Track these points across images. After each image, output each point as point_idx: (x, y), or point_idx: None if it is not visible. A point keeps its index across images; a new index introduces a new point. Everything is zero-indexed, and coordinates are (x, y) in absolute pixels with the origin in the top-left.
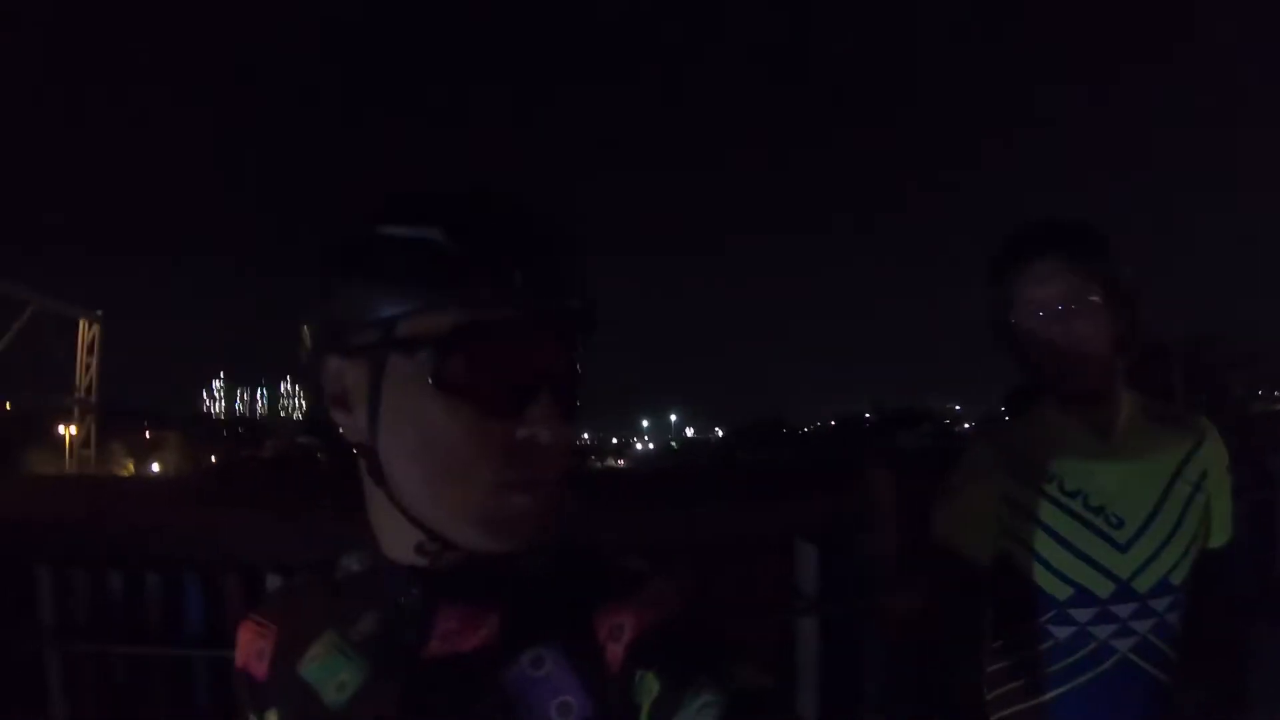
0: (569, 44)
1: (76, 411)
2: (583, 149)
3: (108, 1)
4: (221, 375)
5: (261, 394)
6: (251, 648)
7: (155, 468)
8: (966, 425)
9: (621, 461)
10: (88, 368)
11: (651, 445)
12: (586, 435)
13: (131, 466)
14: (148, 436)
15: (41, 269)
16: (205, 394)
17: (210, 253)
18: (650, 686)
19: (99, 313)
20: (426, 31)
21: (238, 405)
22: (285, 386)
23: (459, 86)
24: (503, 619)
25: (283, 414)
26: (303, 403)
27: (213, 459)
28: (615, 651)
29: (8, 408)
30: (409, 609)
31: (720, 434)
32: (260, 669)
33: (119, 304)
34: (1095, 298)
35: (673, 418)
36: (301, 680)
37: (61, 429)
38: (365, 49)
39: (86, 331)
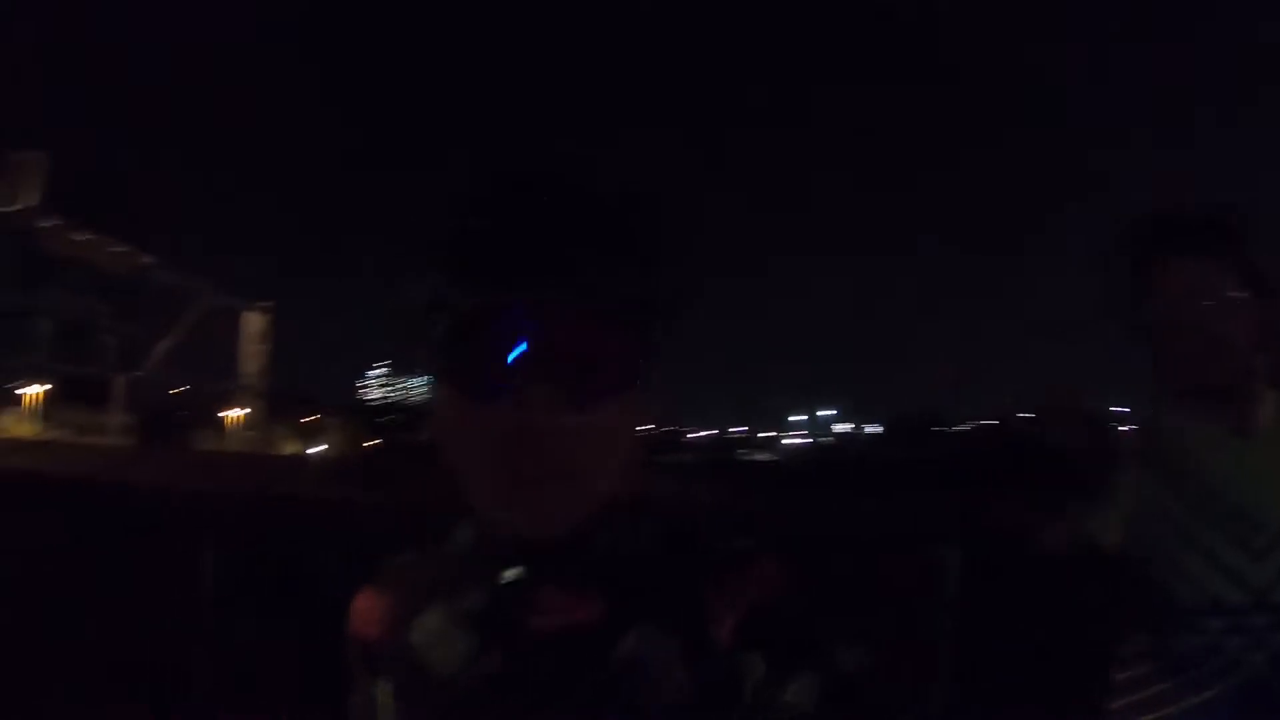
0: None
1: (244, 395)
2: (743, 140)
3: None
4: (381, 363)
5: (420, 382)
6: (366, 617)
7: (316, 450)
8: (1127, 428)
9: (767, 456)
10: (255, 355)
11: (801, 439)
12: (736, 427)
13: (294, 448)
14: (310, 420)
15: (215, 263)
16: (365, 381)
17: (374, 249)
18: (754, 666)
19: (267, 303)
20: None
21: (397, 392)
22: None
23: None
24: (609, 596)
25: None
26: None
27: (371, 443)
28: (720, 630)
29: (178, 391)
30: (514, 584)
31: (871, 430)
32: (373, 637)
33: (286, 295)
34: (1233, 292)
35: (823, 412)
36: (411, 650)
37: (229, 412)
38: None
39: (255, 321)
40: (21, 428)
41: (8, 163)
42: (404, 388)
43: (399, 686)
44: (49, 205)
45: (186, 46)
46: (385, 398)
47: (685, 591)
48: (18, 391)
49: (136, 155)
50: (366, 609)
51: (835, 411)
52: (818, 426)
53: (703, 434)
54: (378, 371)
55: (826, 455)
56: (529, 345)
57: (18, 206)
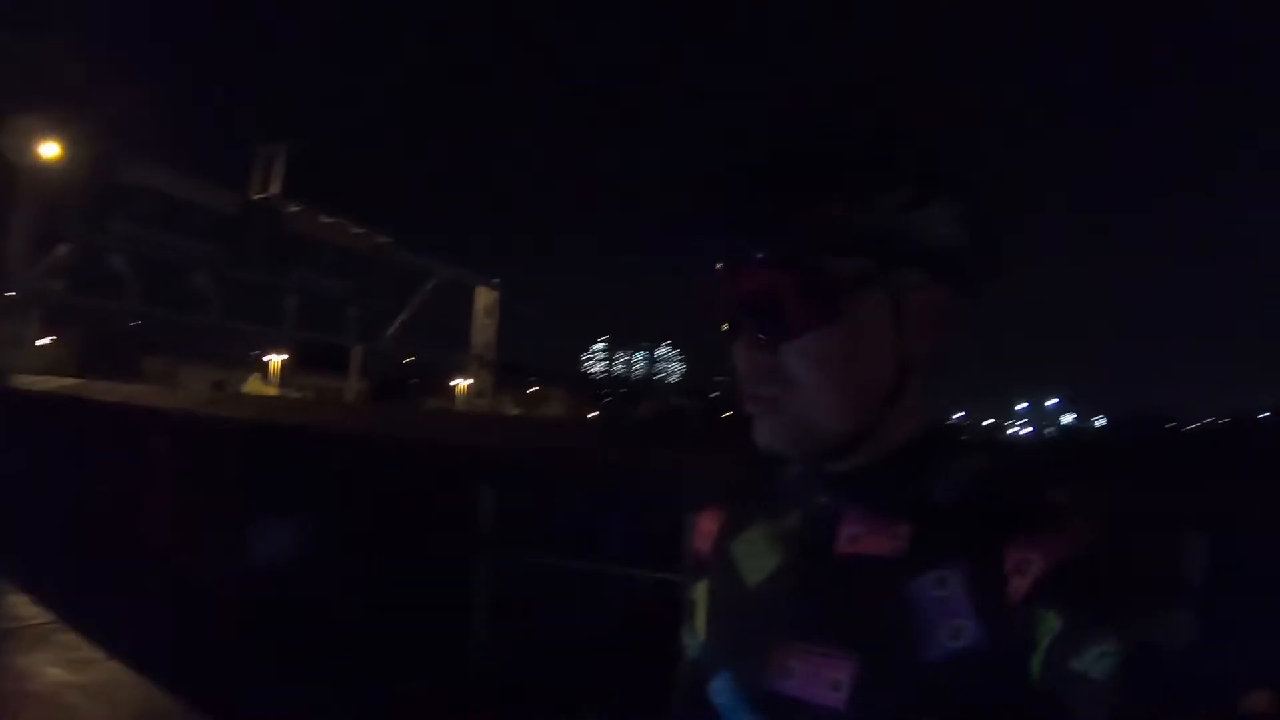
0: None
1: (473, 366)
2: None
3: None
4: (603, 338)
5: (640, 357)
6: (705, 529)
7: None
8: None
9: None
10: (484, 328)
11: (1028, 429)
12: (958, 414)
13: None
14: (533, 391)
15: (452, 244)
16: (587, 355)
17: (600, 229)
18: (1051, 625)
19: (497, 280)
20: None
21: (617, 366)
22: (662, 351)
23: None
24: (911, 533)
25: (658, 377)
26: (679, 367)
27: (591, 415)
28: (1020, 585)
29: (409, 360)
30: (819, 509)
31: (1100, 422)
32: (706, 546)
33: (515, 272)
34: None
35: (1050, 402)
36: (730, 557)
37: (457, 381)
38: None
39: (485, 296)
40: (266, 389)
41: (255, 154)
42: (624, 361)
43: (714, 588)
44: (295, 192)
45: (417, 44)
46: (606, 371)
47: (988, 542)
48: (264, 359)
49: (383, 146)
50: (706, 522)
51: (1061, 401)
52: (1043, 415)
53: None
54: (599, 346)
55: (1052, 442)
56: (743, 287)
57: (266, 194)
